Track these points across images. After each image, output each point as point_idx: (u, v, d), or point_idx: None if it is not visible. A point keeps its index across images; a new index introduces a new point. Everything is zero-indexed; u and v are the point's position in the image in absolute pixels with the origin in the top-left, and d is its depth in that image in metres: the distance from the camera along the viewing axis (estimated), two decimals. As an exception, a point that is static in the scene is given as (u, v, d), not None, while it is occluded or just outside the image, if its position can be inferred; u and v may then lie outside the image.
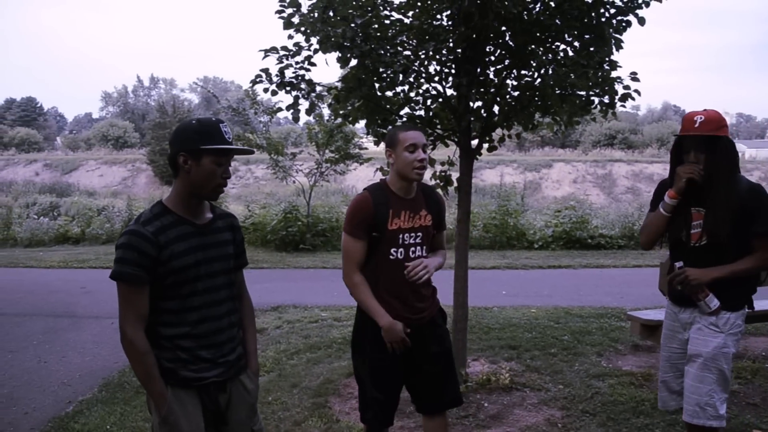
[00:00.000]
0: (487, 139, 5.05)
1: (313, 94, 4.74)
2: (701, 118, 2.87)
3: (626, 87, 4.73)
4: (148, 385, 2.27)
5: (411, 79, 4.80)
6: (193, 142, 2.25)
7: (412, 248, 2.94)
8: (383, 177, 3.16)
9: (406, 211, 2.94)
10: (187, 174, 2.28)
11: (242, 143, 11.37)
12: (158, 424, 2.29)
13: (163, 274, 2.25)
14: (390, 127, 4.71)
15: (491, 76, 4.87)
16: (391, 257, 2.92)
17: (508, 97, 4.88)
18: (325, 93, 4.88)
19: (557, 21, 4.45)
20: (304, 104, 4.73)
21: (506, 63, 4.81)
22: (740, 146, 67.97)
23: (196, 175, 2.27)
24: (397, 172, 2.93)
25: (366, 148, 13.44)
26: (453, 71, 4.78)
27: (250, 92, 12.49)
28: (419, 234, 2.96)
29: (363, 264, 2.95)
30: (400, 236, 2.92)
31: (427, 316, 3.05)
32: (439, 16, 4.69)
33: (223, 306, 2.42)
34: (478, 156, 4.99)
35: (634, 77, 4.70)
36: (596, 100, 4.78)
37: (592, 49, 4.55)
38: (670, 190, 2.99)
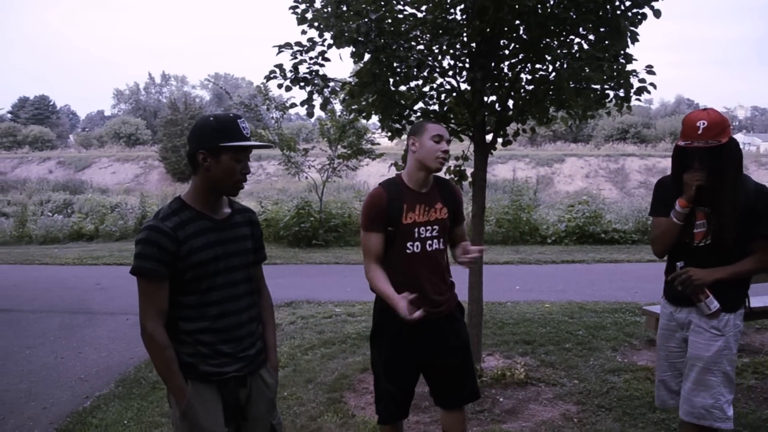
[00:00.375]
0: (502, 133, 5.04)
1: (327, 90, 4.75)
2: (704, 123, 2.77)
3: (642, 80, 4.70)
4: (167, 379, 2.29)
5: (425, 74, 4.80)
6: (212, 140, 2.27)
7: (429, 241, 2.97)
8: (398, 172, 3.17)
9: (421, 205, 2.96)
10: (207, 171, 2.29)
11: (254, 139, 11.28)
12: (178, 419, 2.31)
13: (183, 269, 2.27)
14: (413, 120, 4.75)
15: (505, 70, 4.86)
16: (408, 251, 2.95)
17: (522, 91, 4.86)
18: (339, 88, 4.88)
19: (572, 14, 4.42)
20: (317, 100, 4.75)
21: (521, 57, 4.79)
22: (755, 139, 67.34)
23: (216, 172, 2.29)
24: (418, 160, 2.96)
25: (378, 144, 13.43)
26: (467, 65, 4.77)
27: (263, 88, 12.53)
28: (435, 227, 2.98)
29: (383, 257, 2.97)
30: (416, 230, 2.95)
31: (445, 310, 3.06)
32: (453, 10, 4.67)
33: (243, 301, 2.43)
34: (492, 151, 4.98)
35: (649, 70, 4.66)
36: (611, 93, 4.75)
37: (607, 42, 4.52)
38: (680, 199, 2.94)
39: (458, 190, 3.22)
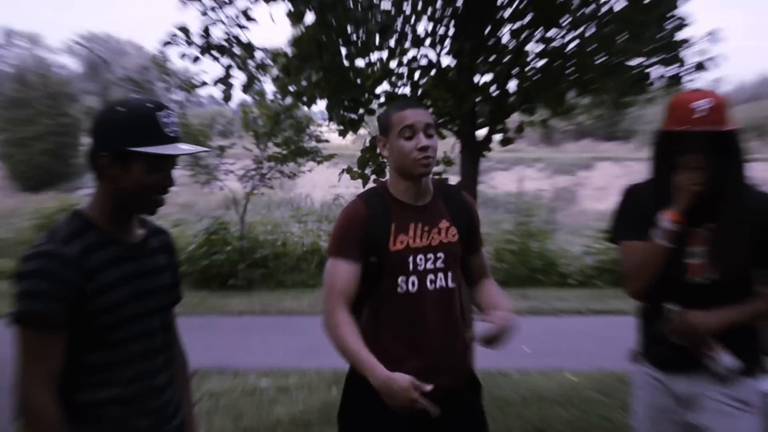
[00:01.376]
0: (500, 128, 5.12)
1: (253, 63, 4.79)
2: (709, 102, 2.68)
3: (702, 52, 4.80)
4: None
5: (391, 43, 4.85)
6: (119, 140, 2.21)
7: (431, 276, 2.87)
8: (384, 179, 3.13)
9: (417, 224, 2.88)
10: (112, 181, 2.26)
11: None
12: None
13: (90, 315, 2.20)
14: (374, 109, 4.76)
15: (505, 39, 4.94)
16: (399, 290, 2.83)
17: (528, 68, 4.96)
18: (270, 62, 4.92)
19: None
20: (238, 77, 4.78)
21: (527, 20, 4.88)
22: None
23: (124, 184, 2.25)
24: (396, 168, 2.91)
25: (327, 141, 13.45)
26: (451, 32, 4.85)
27: (159, 58, 12.51)
28: (440, 255, 2.88)
29: (354, 300, 2.84)
30: (410, 259, 2.84)
31: (451, 383, 2.91)
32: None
33: (160, 358, 2.44)
34: (486, 152, 5.06)
35: (714, 38, 4.76)
36: (656, 71, 4.86)
37: (649, -1, 4.63)
38: (670, 211, 2.83)
39: (471, 202, 3.15)
